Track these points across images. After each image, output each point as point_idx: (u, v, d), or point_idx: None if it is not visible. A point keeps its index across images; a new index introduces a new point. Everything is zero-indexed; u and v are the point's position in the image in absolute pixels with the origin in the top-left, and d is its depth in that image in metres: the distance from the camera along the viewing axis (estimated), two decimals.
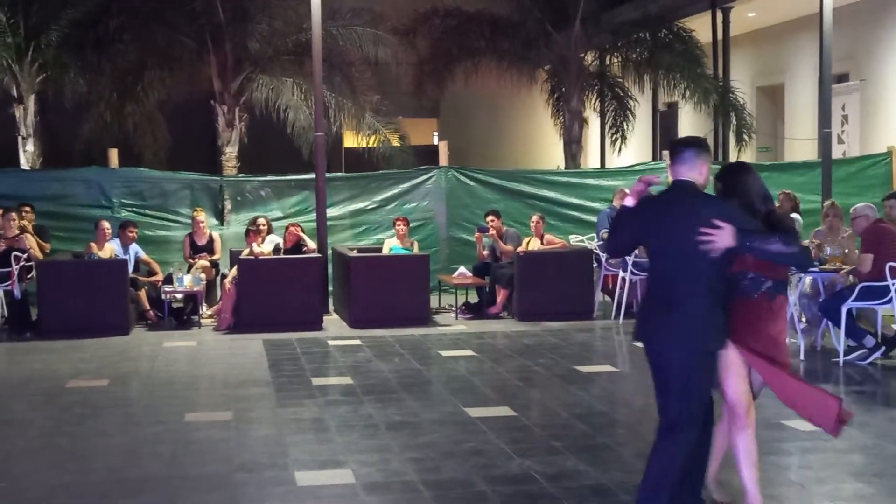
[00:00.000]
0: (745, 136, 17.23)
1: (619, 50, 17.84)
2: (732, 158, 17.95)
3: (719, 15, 18.62)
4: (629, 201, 5.01)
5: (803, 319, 10.01)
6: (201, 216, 12.71)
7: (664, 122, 22.19)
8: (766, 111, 20.14)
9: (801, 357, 9.40)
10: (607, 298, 12.64)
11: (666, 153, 15.74)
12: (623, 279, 11.91)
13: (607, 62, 18.75)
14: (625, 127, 17.89)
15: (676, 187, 4.85)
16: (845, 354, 9.15)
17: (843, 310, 9.02)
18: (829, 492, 5.63)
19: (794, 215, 12.11)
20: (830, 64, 13.47)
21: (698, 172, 4.82)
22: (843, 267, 9.57)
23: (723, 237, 4.59)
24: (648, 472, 4.84)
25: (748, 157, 18.37)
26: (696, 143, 4.90)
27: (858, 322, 9.42)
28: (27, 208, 12.52)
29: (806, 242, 10.52)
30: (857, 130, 17.11)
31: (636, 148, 20.70)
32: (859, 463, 6.22)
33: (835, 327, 9.38)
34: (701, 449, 5.00)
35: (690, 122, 20.92)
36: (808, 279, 9.90)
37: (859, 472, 6.02)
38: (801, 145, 18.24)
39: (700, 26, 17.85)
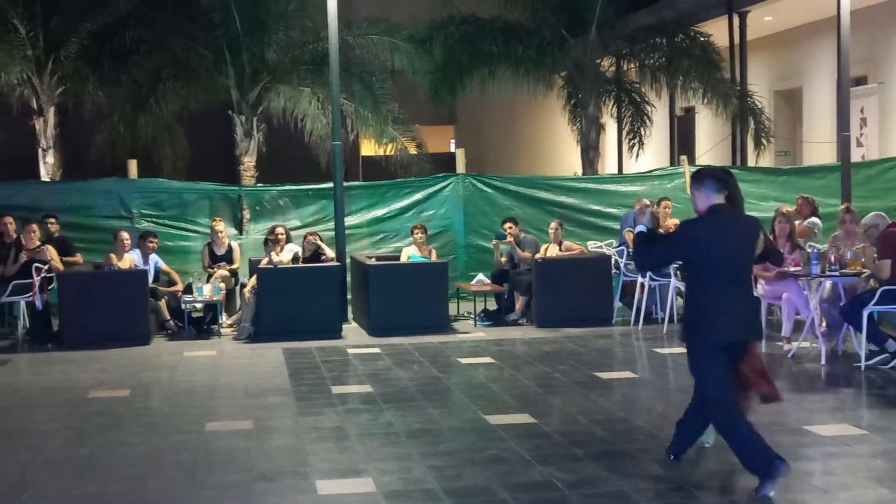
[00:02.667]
0: (764, 141, 17.17)
1: (635, 55, 17.81)
2: (751, 163, 17.91)
3: (736, 19, 18.58)
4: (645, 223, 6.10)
5: (824, 324, 9.95)
6: (220, 226, 12.77)
7: (681, 128, 22.14)
8: (784, 115, 20.07)
9: (823, 362, 9.36)
10: (624, 305, 12.61)
11: (684, 158, 15.72)
12: (642, 285, 11.89)
13: (624, 68, 18.73)
14: (642, 132, 17.84)
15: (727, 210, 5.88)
16: (867, 359, 9.10)
17: (865, 314, 8.96)
18: (853, 497, 5.59)
19: (814, 219, 12.07)
20: (848, 67, 13.41)
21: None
22: (864, 270, 9.49)
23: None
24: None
25: (766, 161, 18.32)
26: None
27: (880, 326, 9.36)
28: (52, 219, 12.62)
29: (825, 247, 10.49)
30: (875, 133, 17.03)
31: (654, 153, 20.67)
32: (882, 468, 6.17)
33: (856, 332, 9.33)
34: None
35: (708, 127, 20.87)
36: (828, 284, 9.84)
37: (882, 477, 5.98)
38: (819, 149, 18.16)
39: (717, 30, 17.81)
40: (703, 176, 5.92)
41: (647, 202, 12.97)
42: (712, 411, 5.89)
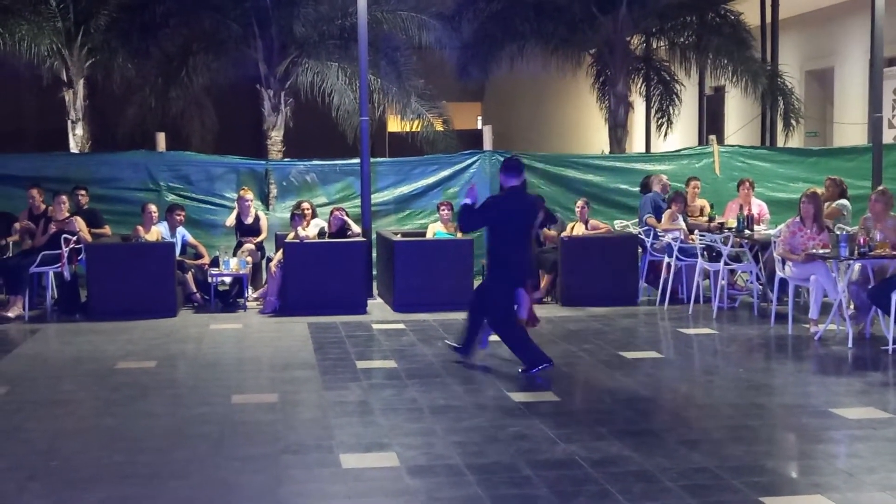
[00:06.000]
0: (793, 121, 17.02)
1: (665, 33, 17.66)
2: (780, 143, 17.76)
3: None
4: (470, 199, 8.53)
5: (852, 306, 9.88)
6: (249, 194, 12.79)
7: (711, 107, 21.98)
8: (814, 95, 19.88)
9: (850, 344, 9.29)
10: (648, 285, 12.57)
11: (713, 138, 15.62)
12: (668, 265, 11.84)
13: (653, 46, 18.57)
14: (671, 111, 17.72)
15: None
16: (895, 342, 9.03)
17: (894, 297, 8.89)
18: (878, 480, 5.56)
19: (843, 201, 11.96)
20: (882, 47, 13.23)
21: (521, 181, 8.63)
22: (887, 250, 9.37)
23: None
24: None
25: (796, 141, 18.16)
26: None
27: None
28: (82, 191, 12.71)
29: (855, 229, 10.39)
30: None
31: (682, 132, 20.53)
32: None
33: (884, 315, 9.25)
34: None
35: (737, 107, 20.72)
36: (857, 266, 9.77)
37: None
38: (850, 130, 17.98)
39: (748, 9, 17.62)
40: (508, 165, 8.58)
41: (665, 179, 12.94)
42: (498, 327, 8.52)
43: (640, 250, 12.43)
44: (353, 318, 11.14)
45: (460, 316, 11.09)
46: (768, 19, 18.68)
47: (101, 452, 6.28)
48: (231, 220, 12.78)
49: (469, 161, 14.33)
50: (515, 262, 8.42)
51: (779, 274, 10.32)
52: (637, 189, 13.86)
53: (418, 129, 17.44)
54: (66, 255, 11.44)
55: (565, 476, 5.68)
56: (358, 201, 13.15)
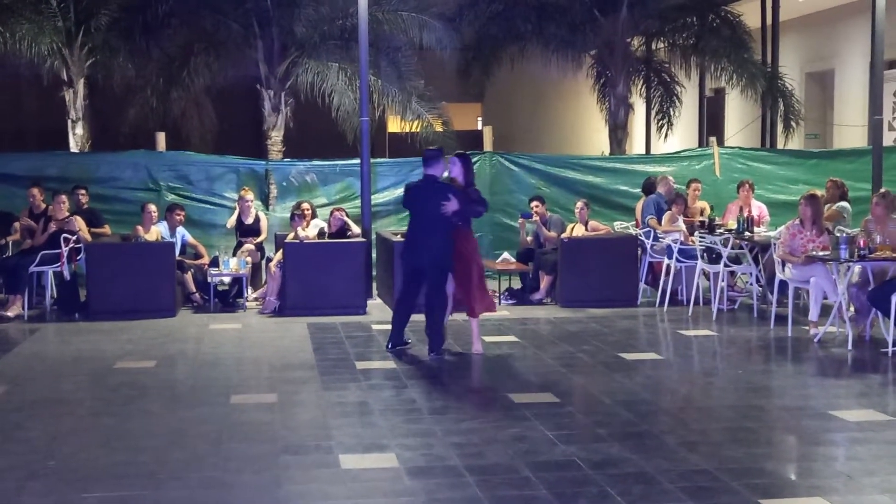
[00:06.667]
0: (793, 123, 17.02)
1: (666, 35, 17.67)
2: (780, 145, 17.77)
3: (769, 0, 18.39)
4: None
5: (851, 308, 9.87)
6: (249, 195, 12.79)
7: (711, 108, 21.98)
8: (815, 97, 19.88)
9: (850, 347, 9.29)
10: (648, 286, 12.56)
11: (713, 139, 15.63)
12: (668, 267, 11.84)
13: (654, 47, 18.58)
14: (671, 113, 17.72)
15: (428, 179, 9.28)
16: (894, 345, 9.02)
17: (894, 299, 8.88)
18: (878, 483, 5.56)
19: (843, 203, 11.97)
20: (882, 50, 13.23)
21: (440, 171, 9.31)
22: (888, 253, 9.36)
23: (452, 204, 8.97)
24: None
25: (796, 143, 18.16)
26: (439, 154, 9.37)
27: None
28: (82, 191, 12.71)
29: (855, 231, 10.39)
30: None
31: (682, 134, 20.53)
32: None
33: (884, 317, 9.25)
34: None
35: (737, 108, 20.72)
36: (856, 268, 9.76)
37: None
38: (850, 132, 17.98)
39: (749, 11, 17.62)
40: (425, 155, 9.31)
41: (671, 179, 12.95)
42: (398, 299, 9.52)
43: (639, 252, 12.43)
44: (352, 319, 11.14)
45: (459, 317, 11.11)
46: (769, 21, 18.69)
47: (100, 452, 6.28)
48: (232, 222, 12.79)
49: None
50: (423, 245, 9.09)
51: (778, 276, 10.32)
52: (637, 190, 13.86)
53: (418, 130, 17.43)
54: (65, 254, 11.44)
55: (564, 477, 5.68)
56: (358, 202, 13.15)
